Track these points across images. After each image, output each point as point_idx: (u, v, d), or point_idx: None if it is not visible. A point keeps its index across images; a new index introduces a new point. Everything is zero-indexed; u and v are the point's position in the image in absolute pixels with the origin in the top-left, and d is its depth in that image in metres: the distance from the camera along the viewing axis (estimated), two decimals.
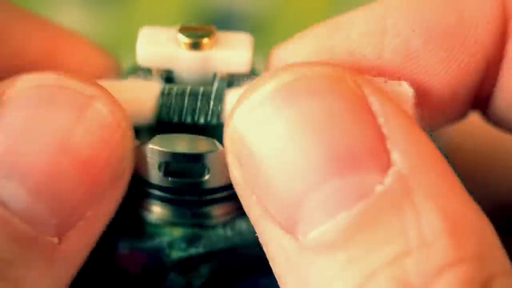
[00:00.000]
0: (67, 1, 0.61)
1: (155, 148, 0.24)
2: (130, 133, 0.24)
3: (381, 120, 0.22)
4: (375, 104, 0.22)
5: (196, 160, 0.24)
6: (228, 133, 0.23)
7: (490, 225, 0.22)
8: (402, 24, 0.25)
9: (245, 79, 0.25)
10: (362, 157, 0.21)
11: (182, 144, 0.24)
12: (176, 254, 0.25)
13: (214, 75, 0.26)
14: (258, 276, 0.27)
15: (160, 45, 0.25)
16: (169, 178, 0.25)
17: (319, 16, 0.62)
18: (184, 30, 0.25)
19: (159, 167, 0.25)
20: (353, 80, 0.23)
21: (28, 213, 0.22)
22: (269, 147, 0.22)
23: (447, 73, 0.25)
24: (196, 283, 0.26)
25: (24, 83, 0.23)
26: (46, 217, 0.22)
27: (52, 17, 0.61)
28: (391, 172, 0.21)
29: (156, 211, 0.26)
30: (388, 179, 0.21)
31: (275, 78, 0.22)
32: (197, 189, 0.25)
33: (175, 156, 0.24)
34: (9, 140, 0.22)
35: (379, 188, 0.21)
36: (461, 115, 0.27)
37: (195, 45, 0.25)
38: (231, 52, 0.25)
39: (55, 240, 0.22)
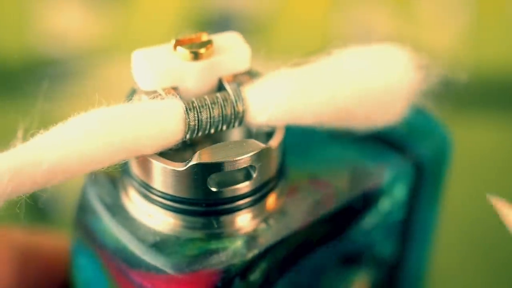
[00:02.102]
0: (67, 1, 0.61)
1: (202, 163, 0.24)
2: None
3: None
4: None
5: (246, 163, 0.24)
6: None
7: None
8: None
9: (248, 76, 0.26)
10: None
11: (227, 152, 0.24)
12: (239, 261, 0.25)
13: (220, 80, 0.25)
14: (304, 258, 0.27)
15: (161, 64, 0.25)
16: (221, 190, 0.24)
17: (319, 16, 0.62)
18: (180, 43, 0.25)
19: (209, 181, 0.24)
20: None
21: None
22: None
23: None
24: (258, 281, 0.26)
25: None
26: None
27: (52, 17, 0.61)
28: None
29: (216, 225, 0.25)
30: None
31: None
32: (248, 191, 0.25)
33: (225, 165, 0.24)
34: None
35: None
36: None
37: (196, 55, 0.25)
38: (233, 54, 0.25)
39: None
